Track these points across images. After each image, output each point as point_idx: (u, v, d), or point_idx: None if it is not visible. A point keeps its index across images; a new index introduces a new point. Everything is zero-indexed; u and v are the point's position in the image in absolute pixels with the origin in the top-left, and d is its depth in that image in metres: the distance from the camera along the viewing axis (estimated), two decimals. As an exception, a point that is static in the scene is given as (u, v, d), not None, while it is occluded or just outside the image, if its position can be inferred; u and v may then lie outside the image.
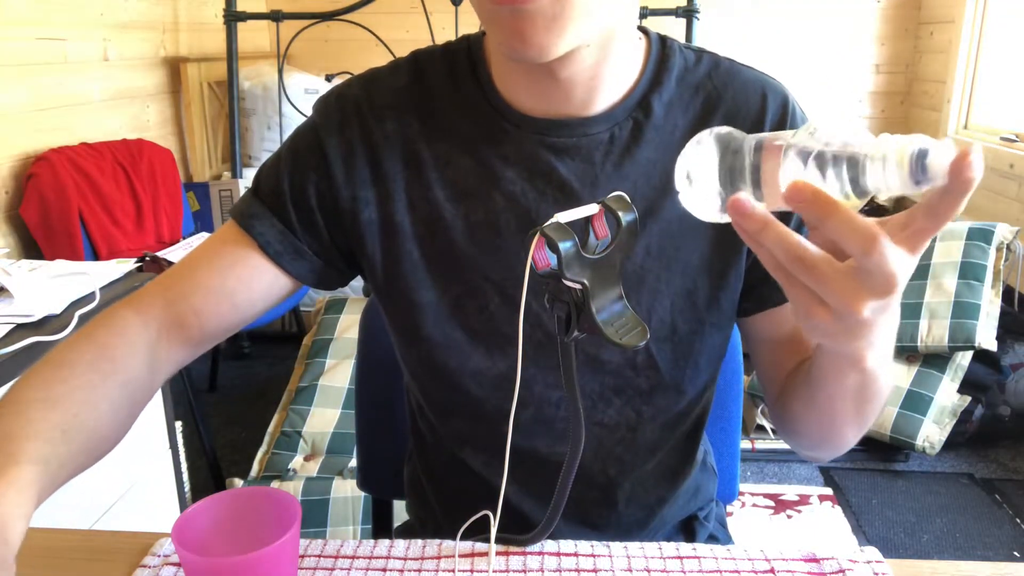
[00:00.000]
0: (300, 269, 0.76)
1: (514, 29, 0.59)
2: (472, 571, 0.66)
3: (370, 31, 2.81)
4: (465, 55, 0.74)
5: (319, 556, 0.68)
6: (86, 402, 0.64)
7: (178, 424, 1.76)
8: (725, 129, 0.53)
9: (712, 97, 0.73)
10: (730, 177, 0.51)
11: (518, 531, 0.69)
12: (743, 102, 0.72)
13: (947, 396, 2.33)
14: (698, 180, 0.52)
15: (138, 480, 1.52)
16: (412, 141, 0.73)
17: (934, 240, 2.51)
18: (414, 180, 0.73)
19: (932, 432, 2.28)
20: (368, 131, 0.73)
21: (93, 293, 1.36)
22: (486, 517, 0.64)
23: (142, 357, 0.70)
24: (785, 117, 0.73)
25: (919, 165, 0.42)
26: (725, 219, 0.50)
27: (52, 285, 1.37)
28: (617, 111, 0.70)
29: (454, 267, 0.73)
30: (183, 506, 1.68)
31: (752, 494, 2.21)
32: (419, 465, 0.88)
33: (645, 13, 2.65)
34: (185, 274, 0.75)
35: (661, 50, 0.73)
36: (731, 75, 0.74)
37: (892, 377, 0.65)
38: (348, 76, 0.79)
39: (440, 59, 0.75)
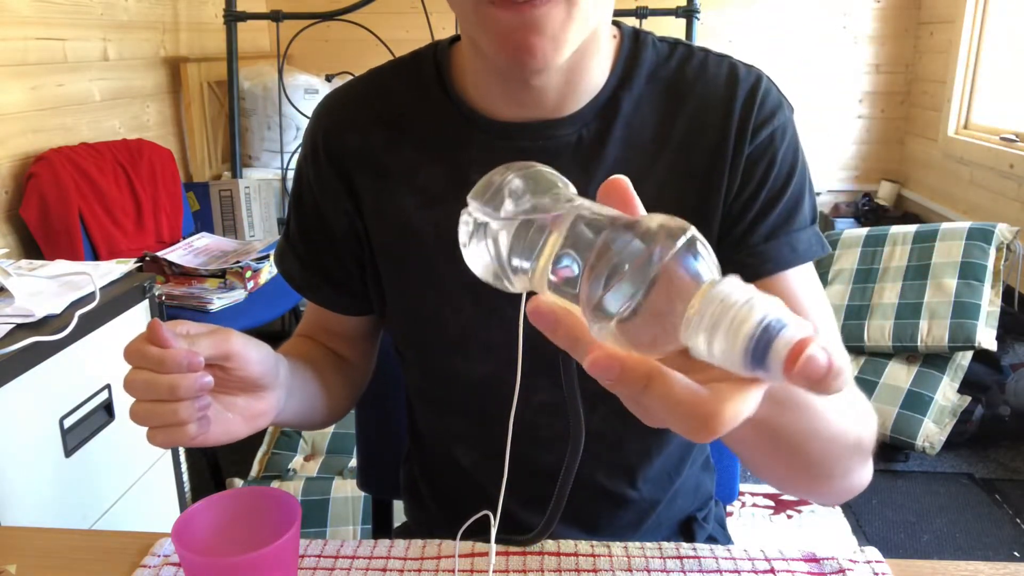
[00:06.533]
0: (318, 296, 0.82)
1: (519, 39, 0.57)
2: (472, 571, 0.66)
3: (370, 31, 2.81)
4: (431, 62, 0.74)
5: (319, 556, 0.68)
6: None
7: (178, 424, 1.75)
8: (520, 183, 0.42)
9: (682, 91, 0.70)
10: (523, 251, 0.40)
11: (510, 535, 0.69)
12: (713, 93, 0.70)
13: (947, 396, 2.33)
14: (486, 242, 0.42)
15: (138, 480, 1.52)
16: (377, 153, 0.74)
17: (935, 240, 2.51)
18: (382, 191, 0.74)
19: (932, 432, 2.28)
20: (334, 153, 0.75)
21: (93, 293, 1.36)
22: (486, 517, 0.64)
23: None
24: (752, 104, 0.69)
25: (756, 354, 0.31)
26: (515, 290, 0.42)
27: (52, 285, 1.37)
28: (585, 111, 0.69)
29: (427, 274, 0.74)
30: (183, 506, 1.68)
31: (752, 494, 2.21)
32: (416, 466, 0.89)
33: (645, 13, 2.65)
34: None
35: (633, 45, 0.72)
36: (703, 66, 0.71)
37: (819, 415, 0.54)
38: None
39: (406, 68, 0.75)
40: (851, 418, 0.59)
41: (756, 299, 0.32)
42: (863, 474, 0.64)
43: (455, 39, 0.75)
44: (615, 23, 0.72)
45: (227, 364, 0.59)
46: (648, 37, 0.72)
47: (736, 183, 0.69)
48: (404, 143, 0.73)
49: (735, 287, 0.33)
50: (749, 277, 0.67)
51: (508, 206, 0.41)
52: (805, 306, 0.68)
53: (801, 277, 0.69)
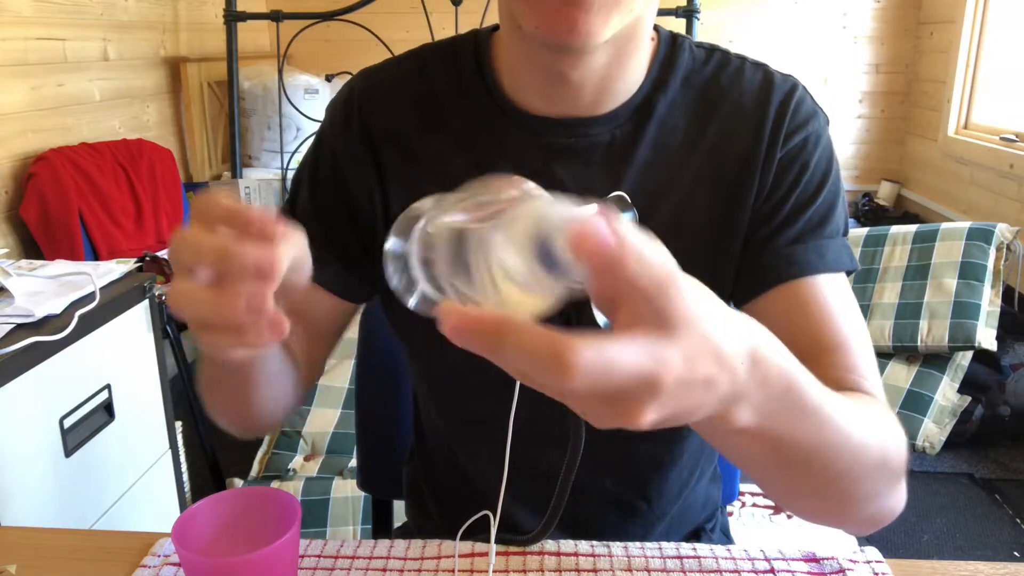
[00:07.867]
0: (324, 276, 0.74)
1: (563, 14, 0.57)
2: (472, 571, 0.66)
3: (370, 31, 2.81)
4: (471, 50, 0.73)
5: (319, 556, 0.68)
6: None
7: (178, 424, 1.76)
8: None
9: (715, 97, 0.70)
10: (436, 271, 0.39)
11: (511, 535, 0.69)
12: (747, 99, 0.70)
13: (947, 396, 2.33)
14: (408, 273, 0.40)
15: (138, 480, 1.52)
16: (408, 136, 0.72)
17: (935, 240, 2.51)
18: (410, 176, 0.72)
19: (932, 432, 2.28)
20: (367, 127, 0.73)
21: (93, 293, 1.36)
22: (486, 518, 0.64)
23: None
24: (786, 111, 0.69)
25: (544, 248, 0.29)
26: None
27: (52, 285, 1.37)
28: (619, 112, 0.69)
29: None
30: (183, 506, 1.68)
31: (752, 494, 2.21)
32: (419, 468, 0.88)
33: (645, 13, 2.66)
34: None
35: (670, 48, 0.71)
36: (738, 73, 0.71)
37: (842, 427, 0.47)
38: (348, 76, 0.79)
39: (446, 53, 0.74)
40: (874, 434, 0.51)
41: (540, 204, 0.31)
42: (893, 499, 0.56)
43: (494, 28, 0.74)
44: (655, 26, 0.72)
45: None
46: (685, 41, 0.72)
47: (767, 187, 0.68)
48: (434, 128, 0.72)
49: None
50: (773, 281, 0.68)
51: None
52: (835, 316, 0.65)
53: (831, 285, 0.66)
